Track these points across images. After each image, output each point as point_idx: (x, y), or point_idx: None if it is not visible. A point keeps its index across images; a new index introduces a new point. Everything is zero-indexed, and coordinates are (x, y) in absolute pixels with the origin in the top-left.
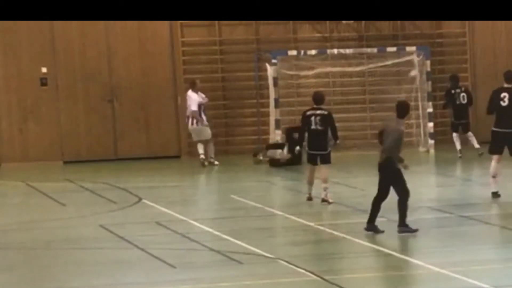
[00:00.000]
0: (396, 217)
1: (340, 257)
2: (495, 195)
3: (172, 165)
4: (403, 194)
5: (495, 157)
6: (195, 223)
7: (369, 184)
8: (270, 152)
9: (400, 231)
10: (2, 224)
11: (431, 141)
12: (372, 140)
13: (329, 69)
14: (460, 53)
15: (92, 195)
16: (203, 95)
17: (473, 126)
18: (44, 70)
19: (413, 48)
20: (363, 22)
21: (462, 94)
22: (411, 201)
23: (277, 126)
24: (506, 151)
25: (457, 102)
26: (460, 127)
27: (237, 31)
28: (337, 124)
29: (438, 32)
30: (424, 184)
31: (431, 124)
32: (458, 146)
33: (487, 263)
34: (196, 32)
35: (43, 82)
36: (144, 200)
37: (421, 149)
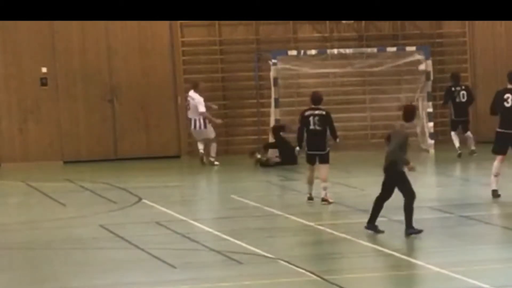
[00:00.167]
0: (396, 217)
1: (340, 257)
2: (495, 193)
3: (172, 165)
4: (409, 196)
5: (498, 157)
6: (195, 223)
7: (369, 184)
8: (271, 152)
9: (407, 234)
10: (2, 224)
11: (431, 141)
12: (372, 140)
13: (329, 69)
14: (460, 53)
15: (92, 195)
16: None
17: (473, 124)
18: (44, 70)
19: (413, 48)
20: (363, 22)
21: (462, 92)
22: None
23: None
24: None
25: (457, 100)
26: (460, 126)
27: (237, 31)
28: (337, 124)
29: (438, 32)
30: (424, 184)
31: (431, 124)
32: (456, 143)
33: (487, 263)
34: (196, 32)
35: (43, 82)
36: (144, 200)
37: (423, 146)
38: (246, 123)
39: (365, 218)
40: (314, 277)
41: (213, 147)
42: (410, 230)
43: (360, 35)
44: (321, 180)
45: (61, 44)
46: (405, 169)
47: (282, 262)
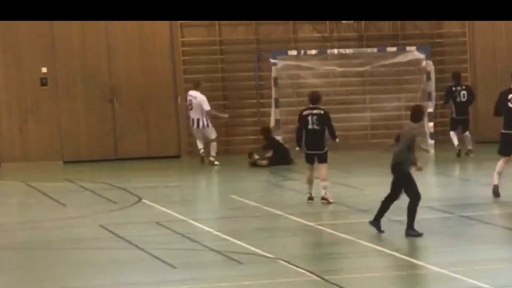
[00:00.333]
0: (396, 217)
1: (340, 257)
2: (496, 188)
3: (172, 165)
4: (413, 198)
5: (503, 158)
6: (195, 223)
7: (369, 184)
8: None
9: (407, 235)
10: (2, 224)
11: (431, 141)
12: (372, 140)
13: (329, 68)
14: (460, 53)
15: (92, 195)
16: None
17: (473, 124)
18: (44, 70)
19: (413, 48)
20: (363, 22)
21: (463, 92)
22: None
23: (277, 126)
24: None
25: (458, 100)
26: (460, 126)
27: (237, 31)
28: (337, 124)
29: (438, 32)
30: (424, 184)
31: (431, 124)
32: (455, 141)
33: (487, 263)
34: (196, 32)
35: (43, 82)
36: (144, 200)
37: (423, 146)
38: (246, 123)
39: (365, 218)
40: (314, 277)
41: (213, 146)
42: (410, 232)
43: (360, 35)
44: (321, 179)
45: (61, 44)
46: (412, 170)
47: (282, 262)
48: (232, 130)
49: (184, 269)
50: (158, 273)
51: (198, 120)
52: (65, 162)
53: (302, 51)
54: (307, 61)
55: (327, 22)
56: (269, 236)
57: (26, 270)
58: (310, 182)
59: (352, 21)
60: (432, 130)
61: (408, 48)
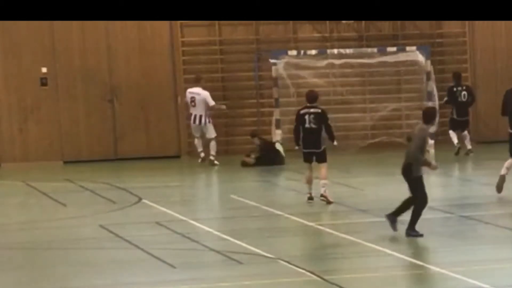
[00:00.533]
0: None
1: (340, 257)
2: (502, 179)
3: (172, 165)
4: (420, 202)
5: None
6: (195, 223)
7: (369, 184)
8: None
9: (407, 234)
10: (2, 224)
11: (431, 141)
12: (372, 140)
13: (329, 69)
14: (460, 53)
15: (92, 195)
16: None
17: (473, 125)
18: (44, 70)
19: (413, 48)
20: (363, 22)
21: (463, 92)
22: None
23: (277, 126)
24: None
25: (459, 100)
26: (460, 127)
27: (237, 31)
28: (337, 124)
29: (438, 32)
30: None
31: None
32: (455, 140)
33: (487, 263)
34: (196, 32)
35: (43, 82)
36: (144, 200)
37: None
38: (246, 123)
39: (365, 218)
40: (314, 277)
41: (213, 145)
42: (411, 232)
43: (360, 35)
44: (320, 178)
45: (61, 44)
46: (426, 170)
47: (282, 262)
48: (232, 130)
49: (184, 269)
50: (158, 273)
51: (200, 116)
52: (65, 162)
53: (302, 51)
54: (307, 61)
55: (327, 22)
56: (269, 236)
57: (26, 270)
58: (309, 182)
59: (352, 21)
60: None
61: (408, 48)
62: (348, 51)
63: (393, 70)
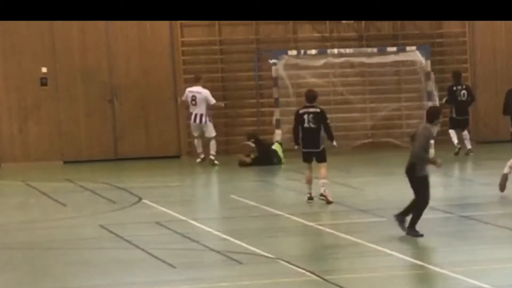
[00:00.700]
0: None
1: (340, 257)
2: (504, 177)
3: (172, 165)
4: (422, 202)
5: None
6: (195, 223)
7: (369, 184)
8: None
9: (407, 233)
10: (2, 224)
11: (431, 141)
12: (372, 140)
13: (329, 69)
14: (460, 53)
15: (92, 195)
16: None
17: (473, 124)
18: (44, 70)
19: (413, 48)
20: (363, 22)
21: (463, 91)
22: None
23: (277, 126)
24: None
25: (458, 99)
26: (459, 126)
27: (237, 31)
28: (337, 124)
29: (438, 32)
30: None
31: None
32: (455, 140)
33: (487, 263)
34: (196, 32)
35: (43, 82)
36: (144, 200)
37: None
38: (246, 123)
39: (365, 218)
40: (314, 277)
41: (213, 145)
42: (411, 231)
43: (360, 35)
44: (320, 178)
45: (61, 44)
46: (431, 168)
47: (282, 262)
48: (232, 130)
49: (184, 269)
50: (158, 273)
51: (201, 115)
52: (65, 162)
53: (302, 51)
54: (307, 61)
55: (327, 22)
56: (269, 236)
57: (25, 270)
58: (309, 182)
59: (352, 21)
60: None
61: (408, 48)
62: (348, 51)
63: (393, 70)
